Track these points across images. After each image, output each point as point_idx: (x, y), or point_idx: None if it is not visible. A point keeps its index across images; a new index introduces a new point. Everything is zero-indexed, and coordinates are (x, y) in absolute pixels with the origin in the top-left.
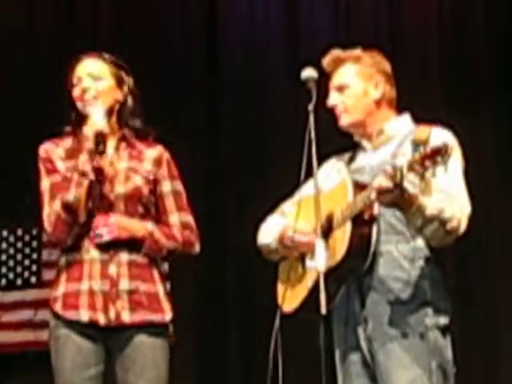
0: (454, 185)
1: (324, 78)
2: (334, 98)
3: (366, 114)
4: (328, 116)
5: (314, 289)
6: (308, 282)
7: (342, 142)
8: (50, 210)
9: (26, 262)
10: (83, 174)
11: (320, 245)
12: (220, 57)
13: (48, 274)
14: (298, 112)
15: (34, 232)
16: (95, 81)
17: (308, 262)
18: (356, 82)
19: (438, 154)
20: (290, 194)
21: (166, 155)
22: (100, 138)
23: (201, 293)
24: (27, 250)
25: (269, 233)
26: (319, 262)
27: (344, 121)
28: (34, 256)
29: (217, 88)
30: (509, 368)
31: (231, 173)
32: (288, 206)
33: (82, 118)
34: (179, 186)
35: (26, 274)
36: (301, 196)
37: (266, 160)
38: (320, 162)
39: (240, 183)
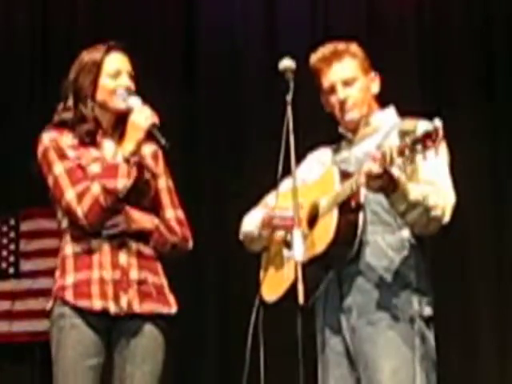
0: (440, 176)
1: (304, 70)
2: (343, 93)
3: (368, 108)
4: (307, 106)
5: (296, 279)
6: (289, 272)
7: (322, 132)
8: (78, 195)
9: (4, 253)
10: (128, 162)
11: (297, 234)
12: (198, 53)
13: (25, 265)
14: (277, 106)
15: (12, 222)
16: (131, 80)
17: (286, 253)
18: (361, 77)
19: (429, 138)
20: (271, 187)
21: (160, 152)
22: (157, 130)
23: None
24: (5, 241)
25: (251, 222)
26: (297, 252)
27: (353, 115)
28: (12, 247)
29: (194, 86)
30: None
31: (210, 169)
32: (271, 199)
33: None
34: (172, 183)
35: (4, 264)
36: (282, 189)
37: (245, 155)
38: (298, 152)
39: (219, 178)
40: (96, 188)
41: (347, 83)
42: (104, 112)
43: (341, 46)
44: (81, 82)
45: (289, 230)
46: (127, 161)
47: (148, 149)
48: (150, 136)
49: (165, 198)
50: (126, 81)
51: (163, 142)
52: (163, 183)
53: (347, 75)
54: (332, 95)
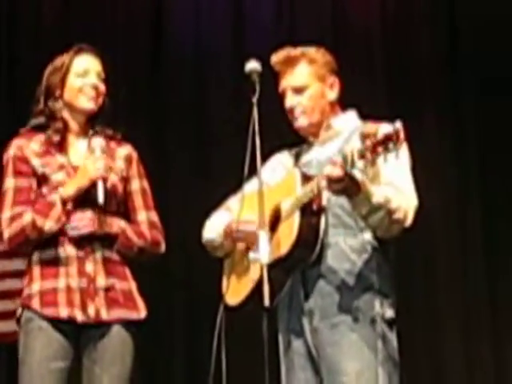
0: (402, 179)
1: (270, 72)
2: (292, 100)
3: (322, 114)
4: (272, 109)
5: (260, 281)
6: (253, 274)
7: (286, 135)
8: (11, 217)
9: None
10: (65, 204)
11: (263, 236)
12: (165, 53)
13: None
14: (244, 106)
15: None
16: (101, 81)
17: (251, 255)
18: (313, 84)
19: (390, 140)
20: (235, 189)
21: (135, 154)
22: (101, 185)
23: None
24: None
25: (213, 228)
26: (262, 254)
27: (302, 122)
28: None
29: (162, 86)
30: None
31: (175, 168)
32: (233, 202)
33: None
34: (146, 185)
35: None
36: (245, 192)
37: (211, 156)
38: (264, 154)
39: (185, 177)
40: (27, 218)
41: (297, 90)
42: (72, 113)
43: (296, 51)
44: (50, 81)
45: (250, 244)
46: (64, 202)
47: (122, 151)
48: (122, 138)
49: (137, 200)
50: (93, 79)
51: (100, 199)
52: (136, 185)
53: (297, 83)
54: (284, 100)
